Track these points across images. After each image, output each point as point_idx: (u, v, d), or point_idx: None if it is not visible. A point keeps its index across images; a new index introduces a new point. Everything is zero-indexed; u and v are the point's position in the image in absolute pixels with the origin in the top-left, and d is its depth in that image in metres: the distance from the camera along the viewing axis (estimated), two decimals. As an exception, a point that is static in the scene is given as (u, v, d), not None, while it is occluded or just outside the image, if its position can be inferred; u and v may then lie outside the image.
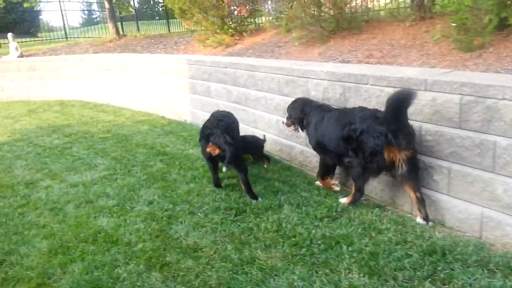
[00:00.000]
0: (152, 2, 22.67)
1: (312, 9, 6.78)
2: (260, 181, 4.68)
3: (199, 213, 3.98)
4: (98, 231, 3.78)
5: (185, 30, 14.18)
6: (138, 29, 15.96)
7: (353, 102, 4.16)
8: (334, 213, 3.76)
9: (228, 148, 4.06)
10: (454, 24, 4.56)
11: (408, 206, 3.77)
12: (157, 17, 18.70)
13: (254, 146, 5.28)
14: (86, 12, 26.14)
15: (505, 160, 2.99)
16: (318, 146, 4.26)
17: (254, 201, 4.11)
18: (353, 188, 3.90)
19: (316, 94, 4.67)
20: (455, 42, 4.53)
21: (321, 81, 4.57)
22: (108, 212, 4.19)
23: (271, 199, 4.15)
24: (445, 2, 4.57)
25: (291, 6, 7.86)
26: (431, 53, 4.67)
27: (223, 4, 9.11)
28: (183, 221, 3.85)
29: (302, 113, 4.40)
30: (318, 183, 4.53)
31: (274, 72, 5.38)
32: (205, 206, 4.10)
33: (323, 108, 4.29)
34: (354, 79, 4.10)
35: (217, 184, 4.58)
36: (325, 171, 4.41)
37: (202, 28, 9.27)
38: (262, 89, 5.72)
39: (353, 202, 3.91)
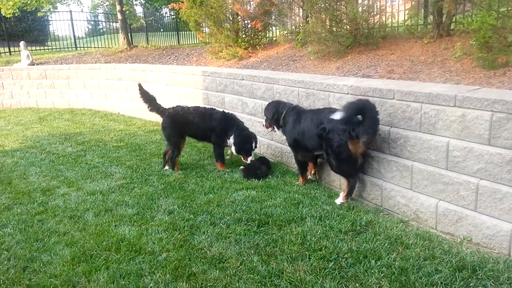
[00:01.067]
0: (158, 14, 22.90)
1: (330, 24, 6.84)
2: (279, 193, 4.66)
3: (221, 224, 3.96)
4: (121, 240, 3.75)
5: (196, 42, 14.34)
6: (148, 41, 16.08)
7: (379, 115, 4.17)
8: (359, 227, 3.73)
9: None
10: (477, 42, 4.59)
11: (433, 221, 3.75)
12: (161, 29, 18.84)
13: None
14: (92, 22, 26.45)
15: (537, 177, 2.99)
16: (295, 143, 4.78)
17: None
18: (346, 181, 4.32)
19: (338, 107, 4.68)
20: (478, 60, 4.55)
21: (344, 95, 4.59)
22: (128, 220, 4.17)
23: (293, 211, 4.12)
24: (468, 20, 4.60)
25: (307, 21, 7.96)
26: (454, 70, 4.70)
27: (238, 18, 9.22)
28: (206, 232, 3.82)
29: (277, 113, 4.95)
30: (299, 182, 4.94)
31: (293, 85, 5.41)
32: (227, 217, 4.08)
33: (298, 109, 4.82)
34: (380, 93, 4.11)
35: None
36: (302, 168, 4.95)
37: (216, 40, 9.34)
38: (281, 102, 5.73)
39: (350, 193, 4.32)
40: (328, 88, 4.79)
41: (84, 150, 7.20)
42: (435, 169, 3.69)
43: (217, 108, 6.14)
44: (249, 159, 5.48)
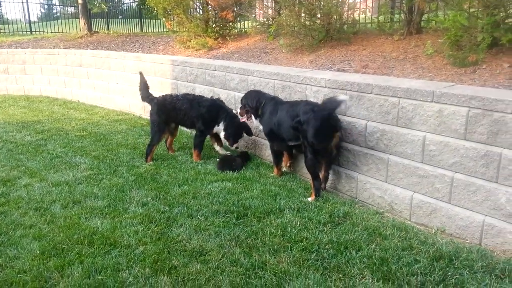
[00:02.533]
0: (116, 0, 22.05)
1: (304, 18, 6.85)
2: (256, 185, 4.62)
3: (198, 216, 3.87)
4: (93, 233, 3.58)
5: (161, 30, 13.96)
6: (108, 27, 15.45)
7: (354, 110, 4.23)
8: (337, 219, 3.78)
9: None
10: (448, 41, 4.75)
11: (407, 213, 3.86)
12: (122, 16, 18.20)
13: None
14: (45, 6, 24.96)
15: (509, 171, 3.13)
16: (271, 133, 4.79)
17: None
18: (311, 181, 4.32)
19: (315, 101, 4.70)
20: (449, 58, 4.72)
21: (321, 88, 4.61)
22: (100, 213, 3.99)
23: (271, 203, 4.11)
24: (440, 19, 4.74)
25: (279, 13, 7.93)
26: (426, 66, 4.84)
27: (208, 7, 9.04)
28: (183, 224, 3.72)
29: (258, 103, 4.90)
30: (274, 174, 4.98)
31: (269, 77, 5.37)
32: (204, 209, 3.99)
33: (276, 100, 4.86)
34: (358, 87, 4.16)
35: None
36: (277, 159, 4.96)
37: (185, 29, 9.12)
38: (255, 94, 5.68)
39: (317, 193, 4.27)
40: (305, 81, 4.80)
41: (44, 139, 6.81)
42: (410, 162, 3.79)
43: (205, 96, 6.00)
44: (234, 145, 5.54)
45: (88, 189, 4.58)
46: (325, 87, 4.56)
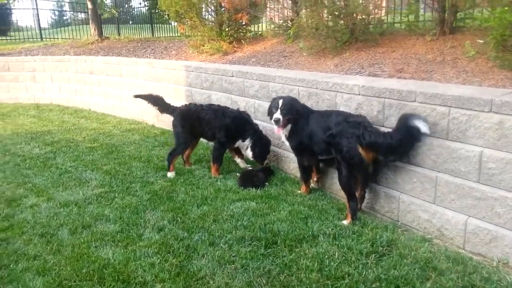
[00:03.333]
0: (127, 5, 21.81)
1: (326, 18, 6.39)
2: (282, 204, 4.17)
3: (221, 244, 3.43)
4: (104, 266, 3.16)
5: (173, 35, 13.61)
6: (119, 33, 15.17)
7: (394, 121, 3.75)
8: (380, 248, 3.30)
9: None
10: (493, 41, 4.25)
11: (460, 240, 3.36)
12: (133, 21, 17.92)
13: None
14: (56, 12, 24.87)
15: None
16: (300, 146, 4.31)
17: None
18: (347, 201, 3.83)
19: (346, 109, 4.23)
20: (496, 60, 4.21)
21: (353, 95, 4.14)
22: (111, 240, 3.57)
23: (302, 227, 3.65)
24: (484, 17, 4.24)
25: (298, 14, 7.48)
26: (469, 70, 4.34)
27: (222, 9, 8.63)
28: (205, 254, 3.29)
29: (298, 114, 4.26)
30: (301, 191, 4.52)
31: (293, 84, 4.92)
32: (227, 235, 3.55)
33: (307, 109, 4.36)
34: (398, 95, 3.69)
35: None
36: (306, 175, 4.49)
37: (198, 33, 8.72)
38: (277, 102, 5.24)
39: (354, 215, 3.78)
40: (335, 87, 4.33)
41: (53, 151, 6.46)
42: (464, 181, 3.30)
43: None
44: (264, 163, 5.20)
45: (99, 210, 4.17)
46: (359, 94, 4.09)
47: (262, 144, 5.08)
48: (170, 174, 5.17)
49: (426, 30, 5.84)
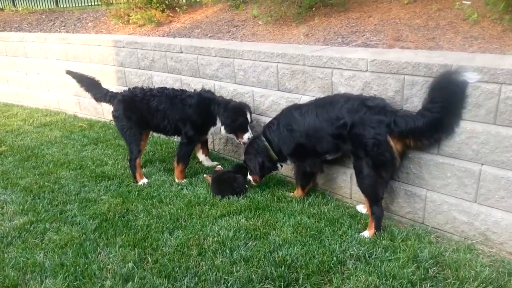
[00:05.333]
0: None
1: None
2: (280, 217, 3.26)
3: (223, 293, 2.44)
4: None
5: (83, 4, 11.58)
6: (14, 3, 12.62)
7: (419, 102, 2.98)
8: (429, 270, 2.57)
9: None
10: (503, 2, 3.65)
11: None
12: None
13: None
14: None
15: None
16: (298, 150, 3.39)
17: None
18: (368, 206, 3.07)
19: (347, 90, 3.38)
20: (510, 22, 3.62)
21: (359, 72, 3.28)
22: (55, 309, 2.39)
23: (320, 251, 2.78)
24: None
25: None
26: (477, 35, 3.71)
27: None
28: (205, 315, 2.28)
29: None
30: (294, 194, 3.68)
31: (269, 60, 3.93)
32: (227, 278, 2.56)
33: (276, 118, 3.59)
34: (426, 70, 2.90)
35: None
36: (307, 179, 3.60)
37: (123, 1, 7.20)
38: (247, 83, 4.23)
39: (378, 227, 3.01)
40: (331, 63, 3.44)
41: None
42: (520, 175, 2.66)
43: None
44: (246, 136, 3.90)
45: (26, 256, 2.90)
46: (366, 70, 3.24)
47: (230, 112, 3.92)
48: (142, 182, 4.05)
49: (398, -9, 5.16)
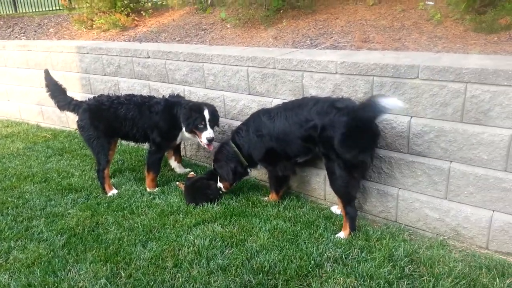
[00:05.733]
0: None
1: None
2: (256, 222, 3.22)
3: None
4: None
5: (44, 9, 11.18)
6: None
7: (388, 103, 3.02)
8: (405, 268, 2.60)
9: None
10: (464, 2, 3.77)
11: (483, 239, 2.84)
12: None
13: None
14: None
15: None
16: (269, 155, 3.33)
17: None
18: (342, 207, 3.11)
19: (318, 93, 3.39)
20: (470, 22, 3.74)
21: (328, 75, 3.30)
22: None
23: (298, 255, 2.76)
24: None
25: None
26: (441, 35, 3.81)
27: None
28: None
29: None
30: (268, 199, 3.64)
31: (239, 64, 3.90)
32: None
33: (244, 123, 3.54)
34: (394, 71, 2.94)
35: None
36: (280, 183, 3.58)
37: (86, 5, 6.99)
38: (217, 87, 4.17)
39: (353, 228, 3.03)
40: (302, 66, 3.44)
41: None
42: (488, 171, 2.73)
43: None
44: (205, 135, 3.65)
45: (-10, 278, 2.74)
46: (336, 73, 3.26)
47: (186, 110, 3.74)
48: (111, 193, 3.92)
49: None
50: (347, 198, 3.01)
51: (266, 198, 3.65)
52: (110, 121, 3.88)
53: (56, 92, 4.14)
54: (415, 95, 2.91)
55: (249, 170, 3.65)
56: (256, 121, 3.37)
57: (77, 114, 4.02)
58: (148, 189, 3.94)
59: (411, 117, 2.97)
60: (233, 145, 3.50)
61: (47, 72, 4.30)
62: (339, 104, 2.94)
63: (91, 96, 4.34)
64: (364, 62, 3.08)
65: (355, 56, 3.31)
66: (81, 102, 4.06)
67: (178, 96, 4.07)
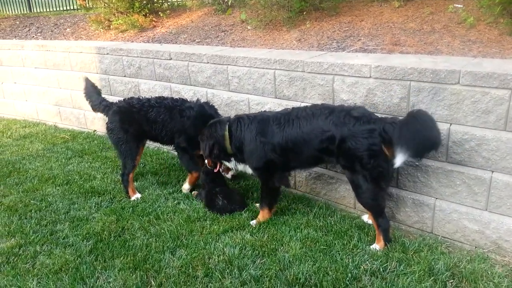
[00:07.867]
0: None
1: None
2: (286, 230, 3.13)
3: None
4: None
5: (59, 9, 11.20)
6: (-17, 8, 12.08)
7: (426, 109, 2.91)
8: (445, 280, 2.49)
9: None
10: (499, 5, 3.64)
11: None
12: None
13: None
14: None
15: None
16: (268, 165, 3.13)
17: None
18: (372, 219, 2.99)
19: (350, 97, 3.29)
20: (506, 26, 3.62)
21: (361, 79, 3.20)
22: None
23: (333, 266, 2.67)
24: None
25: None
26: (475, 39, 3.69)
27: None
28: None
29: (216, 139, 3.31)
30: (257, 221, 3.31)
31: (266, 66, 3.81)
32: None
33: (250, 118, 3.24)
34: (433, 77, 2.84)
35: None
36: (273, 197, 3.34)
37: (103, 5, 6.96)
38: (242, 90, 4.09)
39: (387, 239, 2.91)
40: (333, 69, 3.34)
41: None
42: (533, 182, 2.62)
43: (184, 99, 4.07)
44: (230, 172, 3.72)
45: (15, 286, 2.68)
46: (369, 77, 3.16)
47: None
48: (135, 197, 3.85)
49: (388, -5, 5.14)
50: (378, 210, 2.90)
51: (254, 221, 3.31)
52: (140, 124, 3.81)
53: (91, 92, 4.09)
54: (456, 101, 2.80)
55: (233, 163, 3.40)
56: (262, 124, 3.12)
57: (106, 116, 3.95)
58: (186, 186, 3.92)
59: (451, 124, 2.87)
60: (226, 130, 3.26)
61: (87, 79, 4.26)
62: (355, 113, 2.81)
63: (111, 97, 4.28)
64: (401, 66, 2.98)
65: (389, 59, 3.21)
66: (112, 103, 4.00)
67: (209, 104, 3.92)
